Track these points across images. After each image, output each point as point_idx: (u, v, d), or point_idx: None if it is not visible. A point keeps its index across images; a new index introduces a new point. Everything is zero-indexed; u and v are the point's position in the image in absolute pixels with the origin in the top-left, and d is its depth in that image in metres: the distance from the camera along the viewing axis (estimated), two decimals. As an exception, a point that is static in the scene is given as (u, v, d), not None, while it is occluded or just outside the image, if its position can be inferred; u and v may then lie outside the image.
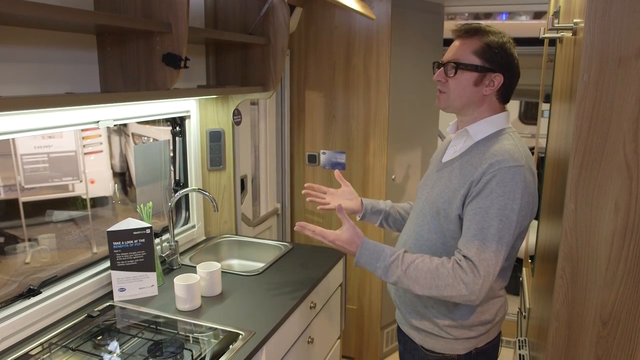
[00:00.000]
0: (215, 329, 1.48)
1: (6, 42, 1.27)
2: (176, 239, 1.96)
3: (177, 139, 2.12)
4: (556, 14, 1.57)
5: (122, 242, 1.63)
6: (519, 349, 1.85)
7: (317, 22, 2.61)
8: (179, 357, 1.34)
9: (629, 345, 1.05)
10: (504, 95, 1.31)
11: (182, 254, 2.05)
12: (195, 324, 1.51)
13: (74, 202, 2.01)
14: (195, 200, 2.19)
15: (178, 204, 2.17)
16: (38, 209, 1.83)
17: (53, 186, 1.91)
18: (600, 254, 1.03)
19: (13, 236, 1.66)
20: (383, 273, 1.26)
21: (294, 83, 2.73)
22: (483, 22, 1.31)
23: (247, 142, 2.47)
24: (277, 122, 2.74)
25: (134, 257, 1.65)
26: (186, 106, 2.06)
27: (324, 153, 2.74)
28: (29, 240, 1.70)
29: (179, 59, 1.43)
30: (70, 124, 1.51)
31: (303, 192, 1.67)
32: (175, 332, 1.47)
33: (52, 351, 1.36)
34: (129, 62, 1.49)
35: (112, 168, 2.21)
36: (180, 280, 1.59)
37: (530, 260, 2.24)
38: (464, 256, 1.19)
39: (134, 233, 1.64)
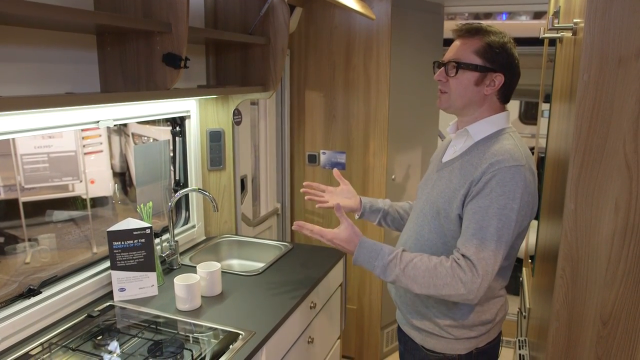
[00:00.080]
0: (215, 329, 1.48)
1: (6, 42, 1.27)
2: (176, 239, 1.96)
3: (177, 139, 2.12)
4: (556, 14, 1.57)
5: (122, 242, 1.63)
6: (519, 349, 1.85)
7: (317, 22, 2.61)
8: (179, 357, 1.34)
9: (629, 345, 1.05)
10: (504, 95, 1.31)
11: (182, 254, 2.05)
12: (195, 324, 1.51)
13: (74, 202, 2.01)
14: (195, 200, 2.19)
15: (178, 204, 2.17)
16: (38, 209, 1.83)
17: (53, 186, 1.91)
18: (600, 254, 1.03)
19: (13, 236, 1.66)
20: (381, 272, 1.26)
21: (294, 83, 2.73)
22: (483, 22, 1.31)
23: (247, 142, 2.47)
24: (277, 122, 2.74)
25: (134, 257, 1.65)
26: (186, 106, 2.06)
27: (324, 153, 2.74)
28: (29, 240, 1.70)
29: (179, 59, 1.43)
30: (70, 124, 1.51)
31: (302, 190, 1.66)
32: (175, 332, 1.47)
33: (52, 351, 1.36)
34: (129, 62, 1.49)
35: (112, 168, 2.21)
36: (180, 280, 1.59)
37: (530, 260, 2.24)
38: (463, 255, 1.19)
39: (134, 233, 1.64)
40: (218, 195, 2.24)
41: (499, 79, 1.26)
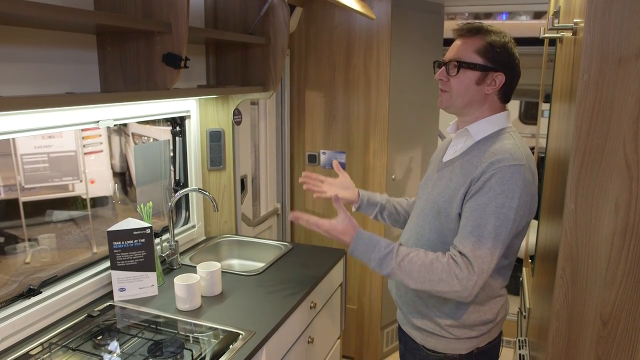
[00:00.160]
0: (216, 328, 1.48)
1: (6, 42, 1.27)
2: (176, 238, 1.96)
3: (177, 138, 2.12)
4: (556, 14, 1.57)
5: (122, 242, 1.63)
6: (519, 348, 1.85)
7: (317, 22, 2.61)
8: (179, 357, 1.34)
9: (629, 345, 1.05)
10: (505, 95, 1.31)
11: (182, 253, 2.05)
12: (195, 324, 1.51)
13: (74, 202, 2.01)
14: (195, 200, 2.19)
15: (178, 203, 2.17)
16: (38, 208, 1.83)
17: (53, 186, 1.91)
18: (600, 254, 1.03)
19: (13, 236, 1.66)
20: (377, 264, 1.25)
21: (294, 83, 2.73)
22: (484, 22, 1.31)
23: (247, 142, 2.47)
24: (277, 122, 2.74)
25: (134, 257, 1.65)
26: (186, 106, 2.06)
27: (324, 153, 2.74)
28: (29, 240, 1.70)
29: (179, 59, 1.43)
30: (70, 123, 1.51)
31: (300, 180, 1.66)
32: (176, 332, 1.47)
33: (52, 351, 1.36)
34: (129, 62, 1.49)
35: (112, 168, 2.21)
36: (180, 280, 1.59)
37: (530, 260, 2.24)
38: (459, 252, 1.19)
39: (134, 233, 1.64)
40: (218, 195, 2.24)
41: (499, 78, 1.26)
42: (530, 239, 2.40)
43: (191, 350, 1.34)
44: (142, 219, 1.71)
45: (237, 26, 2.03)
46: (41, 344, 1.38)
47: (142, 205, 1.73)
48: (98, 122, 1.60)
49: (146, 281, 1.68)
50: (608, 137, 0.98)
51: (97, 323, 1.51)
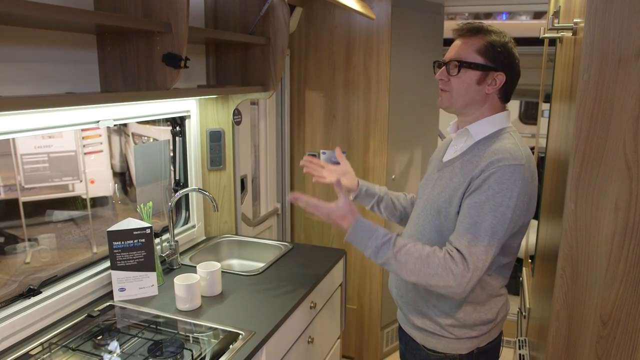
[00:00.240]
0: (215, 328, 1.48)
1: (6, 42, 1.27)
2: (176, 238, 1.96)
3: (177, 138, 2.12)
4: (556, 14, 1.57)
5: (122, 242, 1.63)
6: (519, 348, 1.85)
7: (317, 22, 2.61)
8: (179, 357, 1.34)
9: (629, 345, 1.05)
10: (505, 95, 1.31)
11: (182, 253, 2.05)
12: (195, 324, 1.51)
13: (74, 202, 2.01)
14: (195, 200, 2.19)
15: (178, 203, 2.17)
16: (38, 208, 1.83)
17: (53, 186, 1.91)
18: (600, 254, 1.03)
19: (13, 236, 1.66)
20: (373, 252, 1.25)
21: (294, 83, 2.73)
22: (484, 22, 1.31)
23: (247, 142, 2.47)
24: (277, 122, 2.74)
25: (134, 257, 1.65)
26: (186, 106, 2.06)
27: (324, 153, 2.73)
28: (29, 240, 1.70)
29: (179, 59, 1.43)
30: (70, 123, 1.51)
31: (301, 163, 1.65)
32: (175, 332, 1.47)
33: (52, 351, 1.36)
34: (129, 62, 1.49)
35: (112, 168, 2.21)
36: (180, 280, 1.59)
37: (530, 260, 2.24)
38: (455, 248, 1.19)
39: (134, 233, 1.64)
40: (218, 195, 2.24)
41: (500, 78, 1.26)
42: (530, 239, 2.40)
43: (191, 350, 1.34)
44: (142, 219, 1.71)
45: (237, 26, 2.03)
46: (41, 344, 1.38)
47: (142, 205, 1.73)
48: (98, 122, 1.60)
49: (146, 281, 1.68)
50: (608, 137, 0.98)
51: (97, 323, 1.51)
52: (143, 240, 1.66)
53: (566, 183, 1.03)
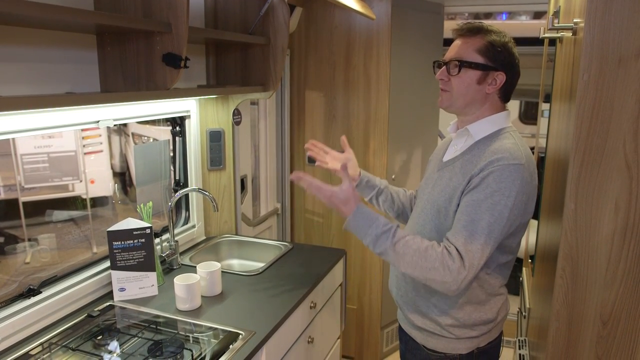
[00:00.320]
0: (215, 328, 1.48)
1: (6, 42, 1.27)
2: (176, 238, 1.96)
3: (177, 138, 2.12)
4: (556, 14, 1.57)
5: (122, 242, 1.63)
6: (519, 348, 1.85)
7: (317, 22, 2.61)
8: (179, 357, 1.34)
9: (629, 345, 1.05)
10: (505, 94, 1.31)
11: (182, 253, 2.05)
12: (195, 324, 1.51)
13: (74, 202, 2.01)
14: (195, 200, 2.19)
15: (178, 203, 2.17)
16: (38, 208, 1.83)
17: (53, 186, 1.91)
18: (600, 254, 1.03)
19: (13, 236, 1.66)
20: (372, 241, 1.24)
21: (294, 83, 2.73)
22: (484, 22, 1.31)
23: (247, 142, 2.47)
24: (277, 122, 2.74)
25: (134, 257, 1.65)
26: (186, 106, 2.06)
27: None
28: (29, 240, 1.70)
29: (179, 59, 1.43)
30: (70, 123, 1.51)
31: (305, 145, 1.65)
32: (175, 332, 1.47)
33: (52, 351, 1.36)
34: (129, 62, 1.49)
35: (112, 168, 2.21)
36: (180, 280, 1.59)
37: (530, 260, 2.24)
38: (453, 245, 1.19)
39: (134, 233, 1.64)
40: (218, 195, 2.24)
41: (500, 77, 1.26)
42: (530, 239, 2.40)
43: (191, 350, 1.34)
44: (142, 219, 1.71)
45: (237, 26, 2.03)
46: (41, 344, 1.38)
47: (142, 205, 1.73)
48: (98, 122, 1.60)
49: (146, 281, 1.68)
50: (608, 137, 0.98)
51: (97, 323, 1.51)
52: (143, 240, 1.66)
53: (566, 183, 1.03)
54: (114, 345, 1.40)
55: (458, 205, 1.25)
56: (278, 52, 2.02)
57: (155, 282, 1.69)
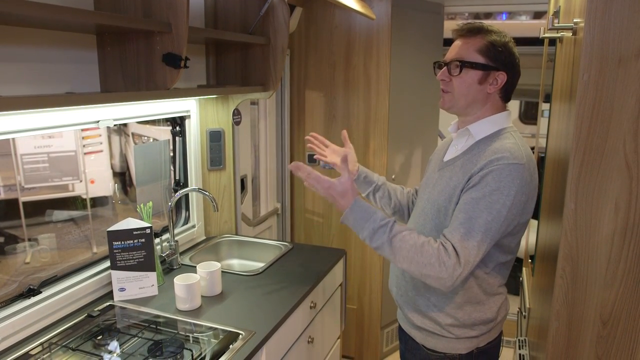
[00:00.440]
0: (215, 328, 1.48)
1: (6, 42, 1.27)
2: (176, 238, 1.96)
3: (177, 138, 2.12)
4: (556, 14, 1.57)
5: (122, 242, 1.63)
6: (519, 348, 1.85)
7: (317, 22, 2.61)
8: (179, 357, 1.34)
9: (629, 345, 1.05)
10: (506, 94, 1.31)
11: (182, 253, 2.05)
12: (195, 324, 1.51)
13: (74, 202, 2.01)
14: (195, 200, 2.19)
15: (178, 203, 2.17)
16: (38, 208, 1.83)
17: (53, 186, 1.91)
18: (600, 254, 1.03)
19: (13, 236, 1.66)
20: (369, 235, 1.24)
21: (294, 83, 2.73)
22: (484, 22, 1.31)
23: (247, 142, 2.47)
24: (277, 122, 2.74)
25: (134, 257, 1.65)
26: (186, 106, 2.06)
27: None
28: (29, 240, 1.70)
29: (179, 59, 1.43)
30: (70, 123, 1.51)
31: (306, 137, 1.65)
32: (175, 332, 1.47)
33: (52, 351, 1.36)
34: (129, 62, 1.49)
35: (112, 168, 2.21)
36: (180, 280, 1.59)
37: (530, 260, 2.24)
38: (449, 241, 1.19)
39: (134, 233, 1.64)
40: (218, 195, 2.24)
41: (501, 77, 1.26)
42: (530, 239, 2.40)
43: (191, 350, 1.34)
44: (142, 219, 1.71)
45: (237, 26, 2.03)
46: (41, 344, 1.38)
47: (142, 205, 1.73)
48: (98, 122, 1.60)
49: (146, 281, 1.68)
50: (608, 137, 0.98)
51: (97, 323, 1.51)
52: (143, 240, 1.66)
53: (566, 183, 1.03)
54: (114, 345, 1.40)
55: (457, 203, 1.25)
56: (278, 52, 2.02)
57: (155, 282, 1.69)
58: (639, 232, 1.00)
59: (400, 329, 1.52)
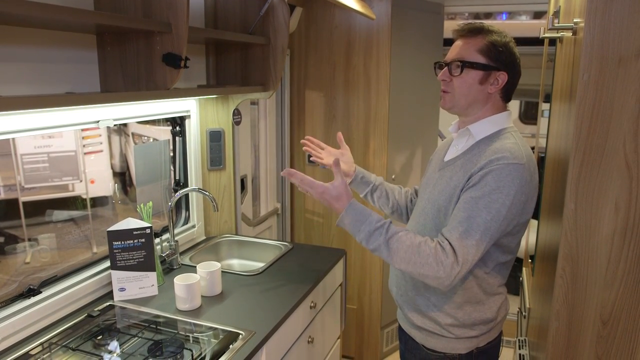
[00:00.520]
0: (215, 328, 1.48)
1: (6, 42, 1.27)
2: (176, 238, 1.96)
3: (177, 138, 2.12)
4: (556, 14, 1.57)
5: (122, 242, 1.63)
6: (519, 348, 1.85)
7: (317, 22, 2.61)
8: (179, 357, 1.34)
9: (629, 345, 1.05)
10: (506, 94, 1.31)
11: (182, 253, 2.05)
12: (195, 324, 1.51)
13: (74, 202, 2.01)
14: (195, 200, 2.19)
15: (178, 203, 2.17)
16: (38, 208, 1.83)
17: (53, 186, 1.91)
18: (600, 254, 1.03)
19: (13, 236, 1.66)
20: (365, 237, 1.24)
21: (294, 83, 2.73)
22: (484, 22, 1.31)
23: (247, 142, 2.47)
24: (277, 122, 2.74)
25: (134, 257, 1.65)
26: (186, 106, 2.06)
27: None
28: (29, 240, 1.70)
29: (179, 59, 1.43)
30: (70, 123, 1.51)
31: (302, 141, 1.65)
32: (175, 331, 1.47)
33: (52, 351, 1.36)
34: (129, 61, 1.49)
35: (112, 168, 2.21)
36: (180, 280, 1.59)
37: (530, 260, 2.24)
38: (447, 239, 1.19)
39: (134, 233, 1.64)
40: (218, 195, 2.24)
41: (502, 77, 1.26)
42: (530, 239, 2.40)
43: (191, 350, 1.34)
44: (142, 219, 1.71)
45: (237, 26, 2.03)
46: (41, 344, 1.38)
47: (142, 205, 1.73)
48: (98, 122, 1.60)
49: (146, 281, 1.68)
50: (608, 137, 0.98)
51: (97, 323, 1.51)
52: (143, 240, 1.66)
53: (566, 183, 1.03)
54: (114, 345, 1.41)
55: (457, 202, 1.25)
56: (278, 52, 2.02)
57: (155, 282, 1.69)
58: (639, 232, 1.00)
59: (400, 328, 1.52)
